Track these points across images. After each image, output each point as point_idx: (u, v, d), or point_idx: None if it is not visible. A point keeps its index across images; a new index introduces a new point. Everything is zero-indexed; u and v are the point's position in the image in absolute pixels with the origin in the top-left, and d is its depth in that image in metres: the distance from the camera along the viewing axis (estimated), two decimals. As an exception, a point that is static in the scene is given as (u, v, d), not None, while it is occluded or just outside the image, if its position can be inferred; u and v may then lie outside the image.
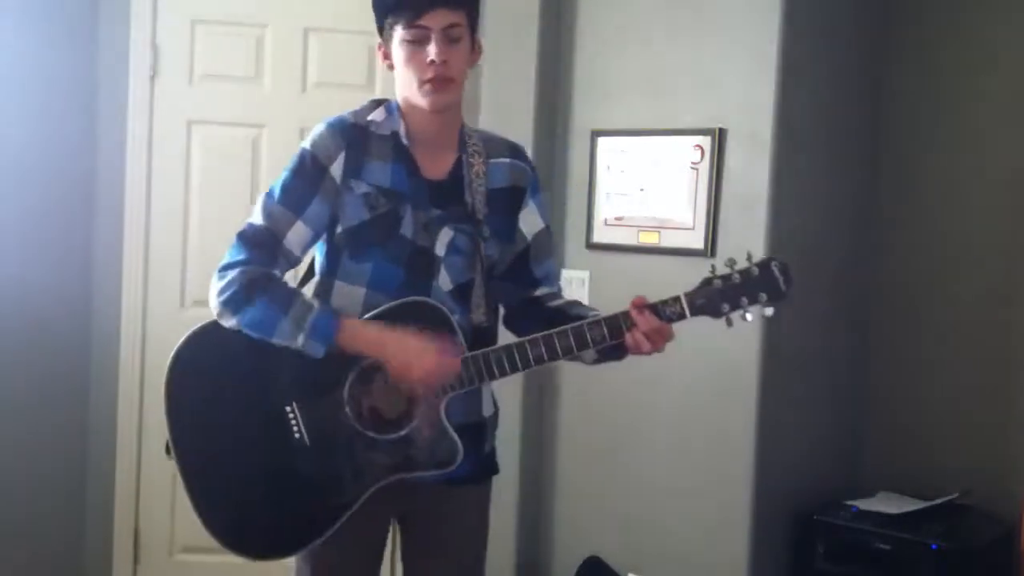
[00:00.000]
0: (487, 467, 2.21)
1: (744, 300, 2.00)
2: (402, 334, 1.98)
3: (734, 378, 3.16)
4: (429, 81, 1.99)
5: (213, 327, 2.04)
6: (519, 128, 3.50)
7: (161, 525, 3.64)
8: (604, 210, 3.45)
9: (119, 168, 3.60)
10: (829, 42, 3.34)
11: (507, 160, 2.14)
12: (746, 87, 3.15)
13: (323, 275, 2.09)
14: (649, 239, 3.34)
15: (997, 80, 3.39)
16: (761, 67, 3.11)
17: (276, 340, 1.98)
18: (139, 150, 3.60)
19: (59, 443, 3.59)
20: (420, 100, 2.02)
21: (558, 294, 2.24)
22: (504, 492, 3.56)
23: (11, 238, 3.42)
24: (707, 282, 2.02)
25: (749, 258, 2.03)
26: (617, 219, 3.42)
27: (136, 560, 3.69)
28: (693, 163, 3.25)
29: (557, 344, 1.99)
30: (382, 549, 2.23)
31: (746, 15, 3.15)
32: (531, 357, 1.99)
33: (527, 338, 2.00)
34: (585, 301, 2.45)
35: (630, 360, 3.65)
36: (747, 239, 3.14)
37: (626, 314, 1.99)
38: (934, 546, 3.02)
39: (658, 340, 2.01)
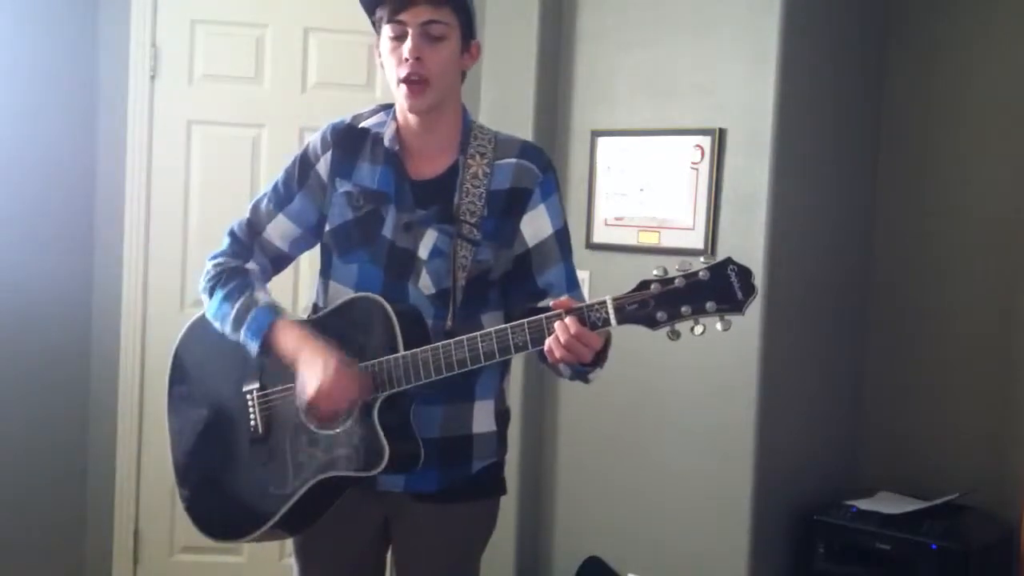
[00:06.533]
0: (473, 487, 2.06)
1: (686, 309, 1.71)
2: (317, 350, 1.92)
3: (734, 378, 3.16)
4: (404, 81, 1.93)
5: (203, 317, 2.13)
6: (519, 128, 3.50)
7: (161, 525, 3.65)
8: (604, 210, 3.45)
9: (119, 168, 3.61)
10: (829, 42, 3.34)
11: (513, 160, 2.01)
12: (746, 87, 3.15)
13: (321, 275, 2.11)
14: (649, 239, 3.34)
15: (999, 81, 3.38)
16: (761, 67, 3.11)
17: (226, 332, 2.02)
18: (139, 150, 3.61)
19: (59, 443, 3.59)
20: (400, 100, 1.98)
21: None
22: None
23: (11, 238, 3.42)
24: (643, 285, 1.73)
25: (705, 260, 1.73)
26: (617, 219, 3.42)
27: (136, 560, 3.69)
28: (693, 163, 3.25)
29: (481, 348, 1.83)
30: (376, 555, 2.17)
31: (746, 15, 3.15)
32: (455, 361, 1.85)
33: (453, 340, 1.87)
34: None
35: (631, 361, 3.65)
36: (747, 239, 3.14)
37: (550, 319, 1.77)
38: (934, 546, 3.02)
39: (580, 350, 1.75)
